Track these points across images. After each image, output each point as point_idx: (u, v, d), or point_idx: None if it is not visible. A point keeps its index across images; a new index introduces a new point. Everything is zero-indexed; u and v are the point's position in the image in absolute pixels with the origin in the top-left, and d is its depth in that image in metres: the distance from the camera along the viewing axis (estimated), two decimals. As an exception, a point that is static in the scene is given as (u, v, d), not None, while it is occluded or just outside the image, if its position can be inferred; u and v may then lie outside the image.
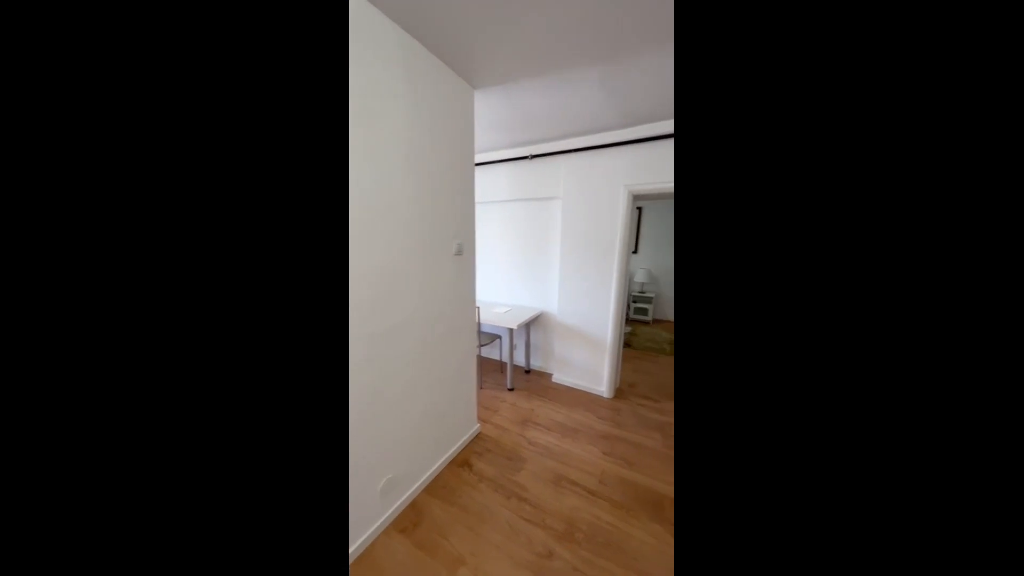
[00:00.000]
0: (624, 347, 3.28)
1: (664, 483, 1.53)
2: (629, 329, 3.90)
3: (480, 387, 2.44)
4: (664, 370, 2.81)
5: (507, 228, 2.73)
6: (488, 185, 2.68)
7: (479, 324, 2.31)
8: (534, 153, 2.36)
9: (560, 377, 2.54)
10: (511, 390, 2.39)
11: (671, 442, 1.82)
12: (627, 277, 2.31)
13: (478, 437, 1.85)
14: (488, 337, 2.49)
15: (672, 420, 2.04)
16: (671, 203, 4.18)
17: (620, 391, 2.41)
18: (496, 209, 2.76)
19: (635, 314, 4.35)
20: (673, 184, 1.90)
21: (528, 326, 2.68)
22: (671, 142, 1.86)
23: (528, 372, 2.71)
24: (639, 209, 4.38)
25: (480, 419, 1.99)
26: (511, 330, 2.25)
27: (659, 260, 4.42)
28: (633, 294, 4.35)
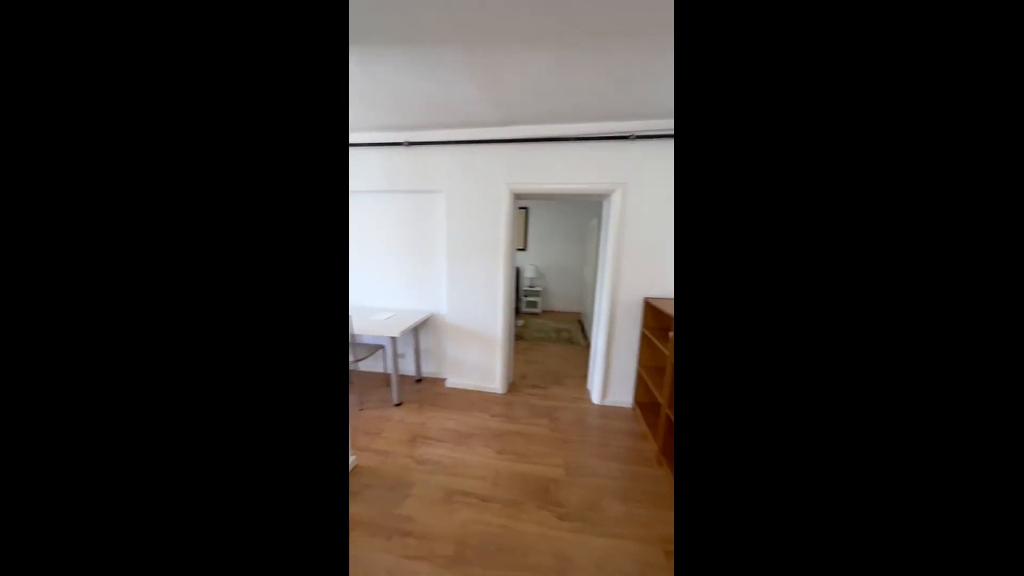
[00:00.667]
0: (516, 339, 3.43)
1: (551, 467, 1.62)
2: (521, 322, 4.13)
3: (359, 409, 2.08)
4: (551, 358, 3.07)
5: (387, 223, 2.41)
6: (358, 171, 2.29)
7: (352, 336, 1.96)
8: (411, 140, 2.13)
9: (454, 381, 2.43)
10: (398, 405, 2.14)
11: (557, 425, 1.97)
12: (514, 273, 2.37)
13: (353, 473, 1.55)
14: (368, 349, 2.14)
15: (557, 404, 2.22)
16: (556, 204, 4.61)
17: (513, 385, 2.48)
18: (371, 200, 2.39)
19: (526, 307, 4.64)
20: (553, 185, 2.03)
21: (416, 331, 2.45)
22: (549, 145, 1.98)
23: (419, 381, 2.49)
24: (525, 209, 4.67)
25: (357, 449, 1.69)
26: (394, 338, 1.99)
27: (546, 257, 4.82)
28: (524, 288, 4.63)
